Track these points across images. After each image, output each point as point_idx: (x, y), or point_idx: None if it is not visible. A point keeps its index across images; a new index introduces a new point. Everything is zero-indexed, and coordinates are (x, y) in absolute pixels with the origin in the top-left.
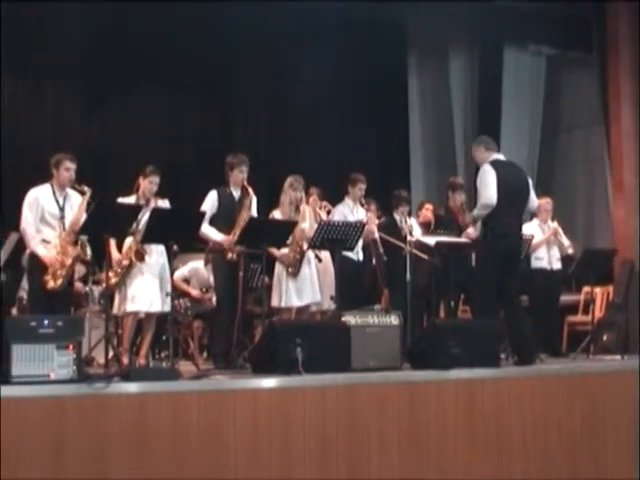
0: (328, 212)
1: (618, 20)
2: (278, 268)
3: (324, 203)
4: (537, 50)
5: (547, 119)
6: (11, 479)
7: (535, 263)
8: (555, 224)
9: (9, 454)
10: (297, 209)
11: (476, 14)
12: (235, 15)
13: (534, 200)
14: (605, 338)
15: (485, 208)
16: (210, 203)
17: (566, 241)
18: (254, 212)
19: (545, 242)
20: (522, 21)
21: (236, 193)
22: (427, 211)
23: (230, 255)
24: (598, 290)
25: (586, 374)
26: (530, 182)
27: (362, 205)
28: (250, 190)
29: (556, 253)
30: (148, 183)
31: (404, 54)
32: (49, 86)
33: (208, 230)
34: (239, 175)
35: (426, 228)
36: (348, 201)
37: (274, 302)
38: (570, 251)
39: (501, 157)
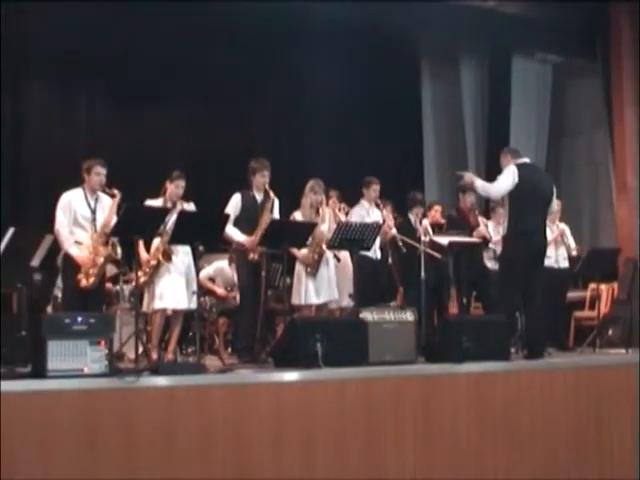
0: (346, 214)
1: (621, 29)
2: (298, 268)
3: (343, 205)
4: (544, 58)
5: (553, 124)
6: (46, 469)
7: None
8: (563, 225)
9: (45, 445)
10: (317, 211)
11: (485, 23)
12: (256, 25)
13: (555, 203)
14: (610, 333)
15: (488, 194)
16: (234, 206)
17: (572, 243)
18: (276, 214)
19: (552, 242)
20: (529, 30)
21: (258, 196)
22: (436, 212)
23: (252, 255)
24: (603, 287)
25: (592, 367)
26: (554, 185)
27: (377, 206)
28: (272, 193)
29: (563, 252)
30: (174, 187)
31: (417, 63)
32: (82, 95)
33: (232, 231)
34: (261, 179)
35: (435, 228)
36: (364, 203)
37: (294, 300)
38: (574, 253)
39: (528, 161)
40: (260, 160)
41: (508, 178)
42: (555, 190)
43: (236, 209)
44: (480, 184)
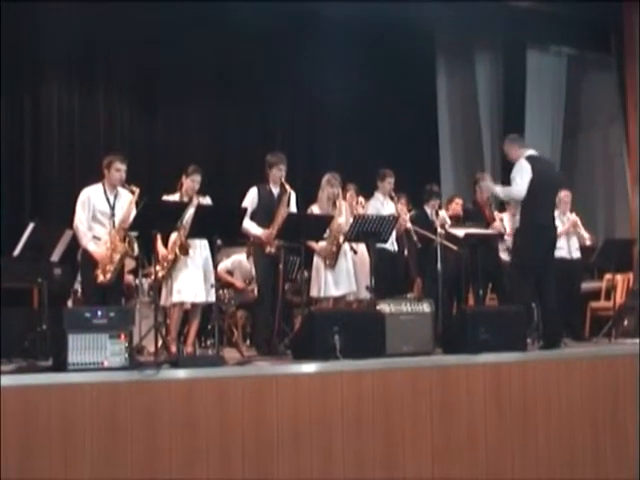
0: (364, 208)
1: (635, 23)
2: (316, 260)
3: (360, 199)
4: (558, 51)
5: (568, 117)
6: (67, 461)
7: (555, 252)
8: (574, 216)
9: (66, 437)
10: (334, 204)
11: (500, 18)
12: (273, 22)
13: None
14: (626, 323)
15: (512, 198)
16: (250, 199)
17: (585, 233)
18: (293, 207)
19: (564, 233)
20: (544, 24)
21: (275, 190)
22: (457, 205)
23: (269, 249)
24: (619, 277)
25: (608, 357)
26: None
27: (392, 198)
28: (288, 187)
29: (575, 243)
30: (190, 182)
31: (433, 57)
32: (100, 93)
33: (249, 225)
34: (277, 173)
35: (456, 221)
36: (378, 195)
37: (313, 292)
38: (588, 243)
39: (534, 153)
40: (277, 154)
41: (525, 175)
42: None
43: (253, 203)
44: (500, 190)
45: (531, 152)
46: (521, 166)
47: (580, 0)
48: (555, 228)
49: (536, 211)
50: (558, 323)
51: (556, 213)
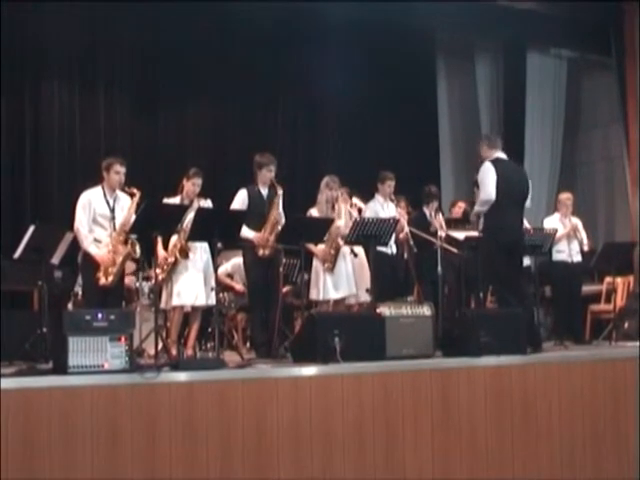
0: (359, 210)
1: (635, 24)
2: (316, 263)
3: (355, 200)
4: (558, 54)
5: (568, 119)
6: (68, 464)
7: (556, 256)
8: (575, 219)
9: (66, 440)
10: (333, 207)
11: (500, 20)
12: (272, 24)
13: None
14: (627, 325)
15: (485, 204)
16: (240, 201)
17: (584, 238)
18: (280, 207)
19: (565, 236)
20: (544, 26)
21: (264, 191)
22: (460, 209)
23: (262, 251)
24: (619, 280)
25: (609, 360)
26: (529, 181)
27: (392, 201)
28: (279, 188)
29: (576, 246)
30: (191, 185)
31: (433, 59)
32: (101, 95)
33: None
34: (268, 174)
35: (452, 223)
36: (378, 197)
37: (312, 295)
38: (585, 248)
39: (502, 156)
40: (266, 155)
41: (489, 178)
42: (530, 185)
43: (243, 205)
44: (477, 207)
45: (498, 155)
46: (485, 169)
47: (580, 2)
48: (519, 231)
49: (496, 214)
50: (537, 329)
51: (557, 216)
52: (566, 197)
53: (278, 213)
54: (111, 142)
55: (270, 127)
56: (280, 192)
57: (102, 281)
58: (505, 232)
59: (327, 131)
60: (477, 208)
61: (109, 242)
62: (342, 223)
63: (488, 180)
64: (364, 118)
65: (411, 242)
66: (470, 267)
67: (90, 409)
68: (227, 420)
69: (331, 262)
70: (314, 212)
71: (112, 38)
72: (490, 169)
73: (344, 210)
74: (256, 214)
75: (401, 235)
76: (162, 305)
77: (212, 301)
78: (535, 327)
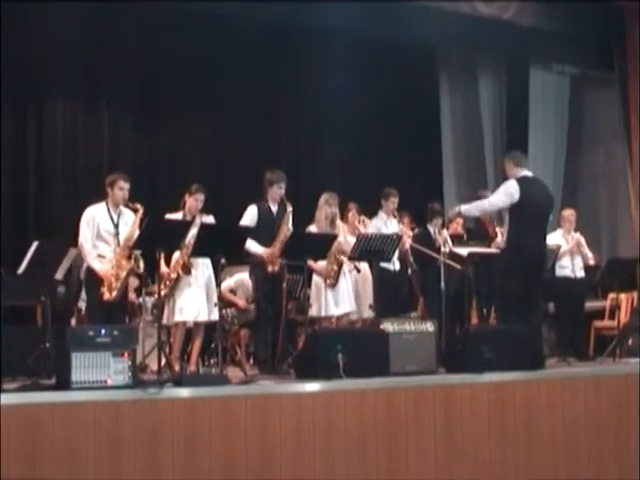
0: (365, 226)
1: (637, 41)
2: (316, 279)
3: (362, 217)
4: (561, 70)
5: (571, 135)
6: (73, 479)
7: (559, 271)
8: (578, 235)
9: (70, 455)
10: (332, 224)
11: (503, 36)
12: (273, 39)
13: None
14: (630, 342)
15: (481, 212)
16: (250, 217)
17: (589, 253)
18: (289, 224)
19: (568, 252)
20: (546, 43)
21: (274, 207)
22: (457, 225)
23: (271, 268)
24: (623, 296)
25: (612, 377)
26: (553, 198)
27: (395, 217)
28: (288, 204)
29: (579, 262)
30: (194, 200)
31: (436, 75)
32: (104, 111)
33: (250, 243)
34: (278, 190)
35: (455, 240)
36: (382, 214)
37: (313, 312)
38: (591, 262)
39: (529, 174)
40: (276, 172)
41: (507, 195)
42: (555, 201)
43: (252, 221)
44: (465, 208)
45: (525, 173)
46: (507, 186)
47: (583, 18)
48: (543, 250)
49: (521, 234)
50: (540, 347)
51: (560, 232)
52: (569, 213)
53: (288, 229)
54: (114, 158)
55: (272, 143)
56: (290, 209)
57: (106, 296)
58: (529, 251)
59: (329, 147)
60: (465, 207)
61: (113, 257)
62: (342, 239)
63: (504, 198)
64: (367, 134)
65: (411, 259)
66: (474, 283)
67: (93, 425)
68: (230, 436)
69: (333, 279)
70: (313, 229)
71: (114, 54)
72: (514, 189)
73: (342, 227)
74: (266, 230)
75: (403, 249)
76: (164, 321)
77: (215, 317)
78: (539, 347)
